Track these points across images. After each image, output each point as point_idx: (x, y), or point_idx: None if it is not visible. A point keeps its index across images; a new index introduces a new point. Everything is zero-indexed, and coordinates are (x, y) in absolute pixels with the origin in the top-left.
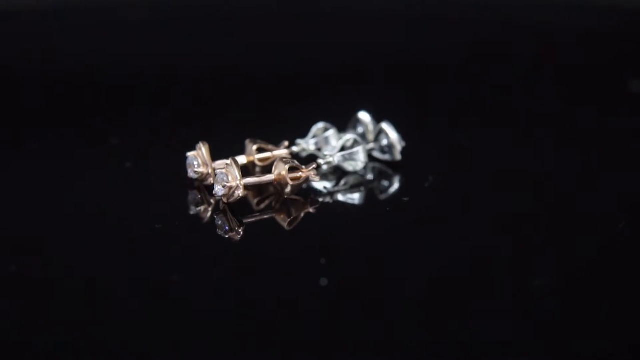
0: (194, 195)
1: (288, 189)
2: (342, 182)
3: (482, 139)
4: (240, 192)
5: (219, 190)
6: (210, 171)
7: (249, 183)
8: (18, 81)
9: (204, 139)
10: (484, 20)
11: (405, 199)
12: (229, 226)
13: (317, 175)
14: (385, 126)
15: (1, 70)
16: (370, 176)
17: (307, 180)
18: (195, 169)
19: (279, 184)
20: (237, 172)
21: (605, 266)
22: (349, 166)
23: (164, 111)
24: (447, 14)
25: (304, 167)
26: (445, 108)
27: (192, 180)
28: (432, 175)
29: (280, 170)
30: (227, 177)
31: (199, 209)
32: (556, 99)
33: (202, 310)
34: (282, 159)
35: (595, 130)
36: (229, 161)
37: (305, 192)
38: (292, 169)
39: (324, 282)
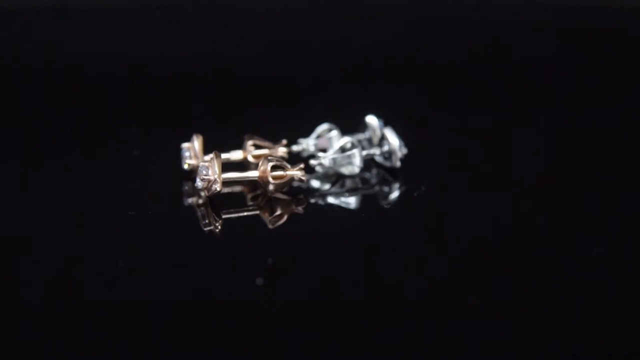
0: (187, 186)
1: (271, 187)
2: (338, 184)
3: (483, 141)
4: (217, 187)
5: (198, 182)
6: (200, 163)
7: (230, 178)
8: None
9: (212, 135)
10: (487, 21)
11: (387, 205)
12: (207, 219)
13: (305, 175)
14: (388, 132)
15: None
16: (372, 181)
17: (293, 180)
18: (187, 161)
19: (263, 181)
20: (216, 167)
21: (606, 267)
22: (345, 170)
23: (183, 106)
24: (455, 15)
25: (289, 166)
26: (451, 111)
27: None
28: (425, 186)
29: (265, 168)
30: (207, 171)
31: (190, 200)
32: (557, 101)
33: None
34: (267, 157)
35: (596, 131)
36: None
37: (295, 191)
38: (275, 167)
39: (259, 281)
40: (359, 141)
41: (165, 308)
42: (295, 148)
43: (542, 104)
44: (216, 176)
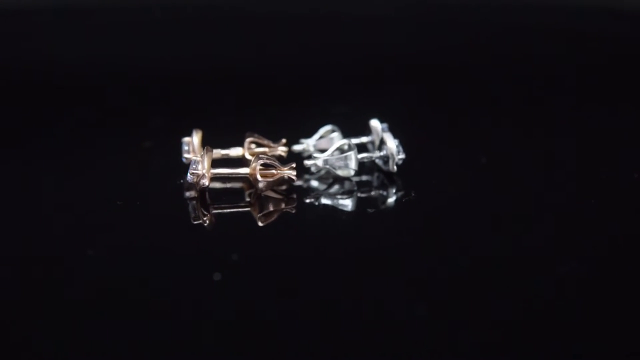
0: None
1: (260, 185)
2: (335, 186)
3: (483, 142)
4: (205, 182)
5: (189, 176)
6: (192, 158)
7: (220, 174)
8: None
9: (216, 132)
10: (487, 21)
11: (371, 210)
12: (196, 213)
13: (296, 175)
14: (386, 136)
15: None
16: (371, 184)
17: (283, 179)
18: (185, 155)
19: (252, 178)
20: (206, 162)
21: (606, 270)
22: (340, 172)
23: (184, 105)
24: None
25: (280, 165)
26: (451, 112)
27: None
28: (417, 191)
29: (255, 166)
30: (197, 165)
31: (187, 193)
32: (557, 101)
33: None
34: (259, 155)
35: (596, 131)
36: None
37: (290, 191)
38: (265, 166)
39: (217, 276)
40: (357, 144)
41: (148, 303)
42: (296, 148)
43: (542, 104)
44: (204, 171)
